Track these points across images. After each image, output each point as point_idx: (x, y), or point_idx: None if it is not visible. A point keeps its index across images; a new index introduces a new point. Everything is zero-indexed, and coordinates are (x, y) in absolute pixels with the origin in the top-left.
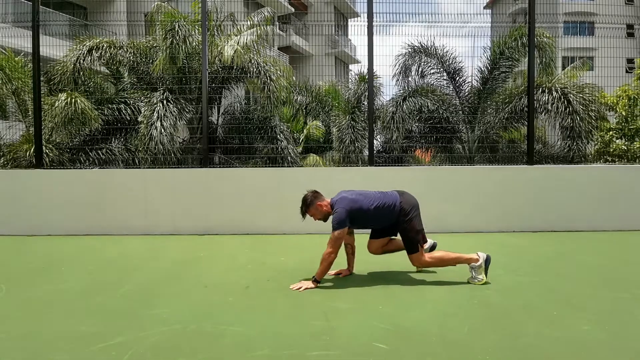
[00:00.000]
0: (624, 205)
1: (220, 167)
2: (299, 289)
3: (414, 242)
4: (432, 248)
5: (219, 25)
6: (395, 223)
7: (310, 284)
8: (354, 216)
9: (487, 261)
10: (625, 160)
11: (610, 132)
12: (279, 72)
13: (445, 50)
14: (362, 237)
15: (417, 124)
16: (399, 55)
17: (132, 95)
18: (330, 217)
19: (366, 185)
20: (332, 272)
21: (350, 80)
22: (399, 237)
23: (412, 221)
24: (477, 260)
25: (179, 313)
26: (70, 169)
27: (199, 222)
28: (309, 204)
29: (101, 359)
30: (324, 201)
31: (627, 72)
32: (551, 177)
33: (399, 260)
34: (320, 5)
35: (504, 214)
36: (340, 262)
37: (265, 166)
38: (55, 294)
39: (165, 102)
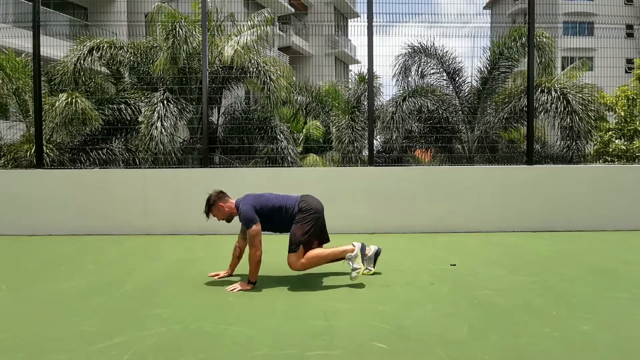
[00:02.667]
0: (623, 205)
1: (220, 167)
2: (234, 290)
3: (297, 240)
4: (377, 254)
5: (219, 26)
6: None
7: (245, 286)
8: (259, 214)
9: (377, 253)
10: (624, 160)
11: (610, 132)
12: (278, 72)
13: (445, 51)
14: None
15: (416, 124)
16: (398, 56)
17: (132, 95)
18: (235, 218)
19: (366, 185)
20: (210, 273)
21: (350, 80)
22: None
23: (303, 221)
24: (353, 250)
25: (179, 313)
26: (71, 169)
27: (199, 222)
28: (211, 205)
29: (101, 359)
30: (227, 202)
31: (626, 72)
32: (551, 177)
33: (399, 261)
34: (320, 6)
35: (503, 214)
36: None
37: (265, 166)
38: (55, 294)
39: (165, 102)
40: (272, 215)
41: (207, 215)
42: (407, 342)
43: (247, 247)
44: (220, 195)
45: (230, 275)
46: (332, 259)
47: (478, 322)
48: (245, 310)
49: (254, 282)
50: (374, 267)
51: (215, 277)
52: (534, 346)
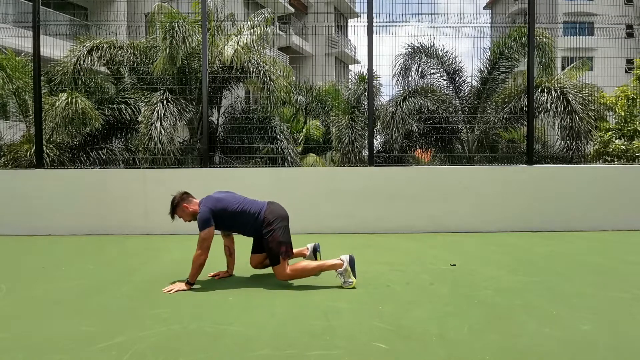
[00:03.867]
0: (623, 205)
1: (220, 167)
2: (169, 291)
3: (275, 254)
4: (315, 250)
5: (219, 26)
6: (259, 234)
7: (182, 286)
8: (219, 216)
9: (352, 262)
10: (624, 160)
11: (609, 132)
12: (278, 72)
13: (445, 51)
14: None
15: (416, 124)
16: (398, 56)
17: (132, 95)
18: None
19: (366, 185)
20: (211, 273)
21: (350, 80)
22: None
23: (274, 232)
24: (342, 264)
25: (179, 313)
26: (71, 169)
27: None
28: (175, 206)
29: (101, 359)
30: (191, 203)
31: (626, 72)
32: (550, 177)
33: (399, 261)
34: (320, 6)
35: (503, 214)
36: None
37: (265, 166)
38: (55, 294)
39: (165, 102)
40: (233, 218)
41: (172, 216)
42: (407, 342)
43: (234, 243)
44: (184, 196)
45: (231, 274)
46: (318, 272)
47: (478, 322)
48: (245, 310)
49: (192, 283)
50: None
51: (216, 277)
52: (534, 346)
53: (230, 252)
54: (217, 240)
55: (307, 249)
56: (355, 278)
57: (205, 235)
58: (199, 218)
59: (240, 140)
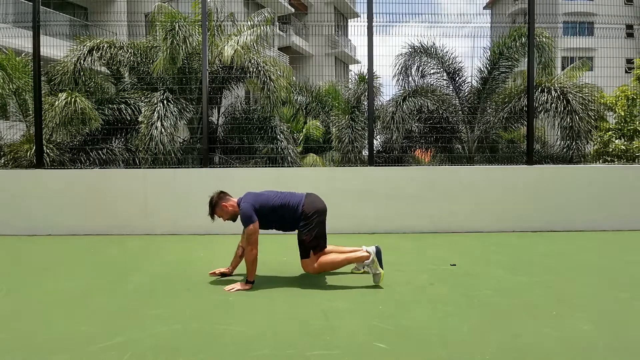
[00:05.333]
0: (623, 205)
1: (220, 167)
2: (231, 290)
3: (307, 247)
4: (378, 253)
5: (219, 26)
6: (297, 226)
7: (244, 285)
8: (260, 212)
9: (378, 253)
10: (624, 160)
11: (609, 132)
12: (278, 72)
13: (445, 51)
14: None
15: (417, 124)
16: (399, 56)
17: (132, 95)
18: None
19: (366, 185)
20: (211, 271)
21: (350, 80)
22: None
23: (310, 226)
24: (369, 256)
25: (179, 313)
26: (71, 169)
27: (199, 222)
28: (214, 205)
29: (101, 359)
30: (229, 201)
31: (626, 72)
32: (550, 177)
33: (399, 261)
34: (320, 6)
35: (503, 214)
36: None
37: (265, 166)
38: (55, 294)
39: (165, 102)
40: (274, 213)
41: (212, 217)
42: (407, 342)
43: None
44: (222, 195)
45: (231, 273)
46: (347, 264)
47: (478, 322)
48: (245, 310)
49: (252, 281)
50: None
51: (216, 273)
52: (534, 346)
53: (242, 254)
54: (224, 240)
55: (369, 253)
56: (383, 269)
57: (251, 231)
58: (242, 214)
59: (240, 140)
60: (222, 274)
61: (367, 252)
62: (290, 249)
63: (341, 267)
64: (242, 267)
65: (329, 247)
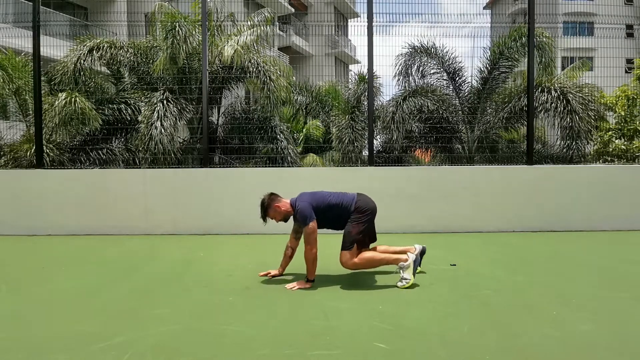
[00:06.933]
0: (623, 205)
1: (220, 167)
2: (293, 288)
3: (350, 238)
4: (422, 253)
5: (219, 26)
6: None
7: (304, 284)
8: (317, 211)
9: (423, 252)
10: (624, 160)
11: (610, 132)
12: (278, 72)
13: (445, 51)
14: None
15: (417, 124)
16: (399, 56)
17: (132, 95)
18: (291, 218)
19: (366, 185)
20: (261, 272)
21: (350, 80)
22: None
23: (360, 220)
24: (406, 260)
25: (179, 313)
26: (71, 169)
27: (199, 222)
28: (267, 207)
29: (101, 359)
30: (281, 202)
31: (626, 72)
32: (550, 177)
33: None
34: (320, 6)
35: (503, 214)
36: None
37: (265, 166)
38: (55, 294)
39: (165, 102)
40: (330, 212)
41: (264, 219)
42: (407, 342)
43: (298, 246)
44: (273, 197)
45: (281, 274)
46: (384, 264)
47: (478, 322)
48: (245, 310)
49: (312, 280)
50: (419, 265)
51: (269, 274)
52: (534, 346)
53: (291, 254)
54: (218, 240)
55: (415, 248)
56: (414, 277)
57: (311, 229)
58: (300, 214)
59: (240, 140)
60: (273, 276)
61: (407, 255)
62: None
63: (378, 266)
64: (236, 268)
65: (382, 247)
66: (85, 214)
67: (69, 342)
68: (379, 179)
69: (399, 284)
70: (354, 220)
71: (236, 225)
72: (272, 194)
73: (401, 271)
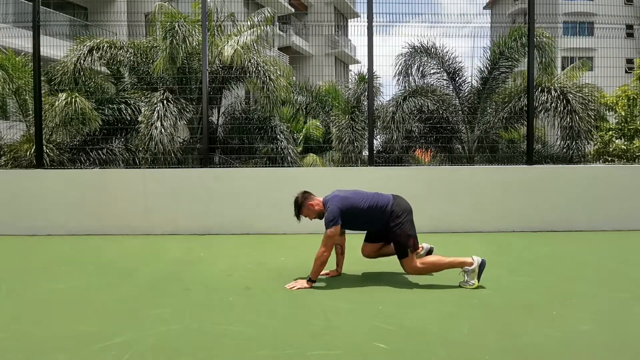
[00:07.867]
0: (623, 205)
1: (220, 167)
2: (292, 287)
3: (403, 246)
4: (429, 252)
5: (219, 25)
6: (386, 226)
7: (305, 283)
8: (347, 215)
9: (482, 265)
10: (625, 160)
11: (610, 132)
12: (278, 72)
13: (445, 51)
14: (356, 238)
15: (417, 124)
16: (399, 56)
17: (132, 95)
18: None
19: (366, 185)
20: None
21: (350, 80)
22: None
23: (402, 225)
24: (472, 264)
25: (179, 313)
26: (71, 169)
27: (199, 222)
28: (301, 205)
29: (101, 359)
30: (314, 200)
31: (626, 72)
32: (551, 177)
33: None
34: (320, 6)
35: (503, 214)
36: (330, 262)
37: (265, 166)
38: (55, 294)
39: (165, 102)
40: (363, 215)
41: (298, 217)
42: (407, 342)
43: (343, 242)
44: (306, 195)
45: (339, 273)
46: (448, 267)
47: (478, 322)
48: (245, 310)
49: (313, 280)
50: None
51: (327, 276)
52: (534, 346)
53: (342, 251)
54: (218, 240)
55: (422, 248)
56: (478, 282)
57: (331, 233)
58: (327, 216)
59: (240, 140)
60: (332, 276)
61: (472, 259)
62: (289, 249)
63: (443, 270)
64: (237, 268)
65: (435, 257)
66: (85, 214)
67: (69, 342)
68: (379, 179)
69: (461, 284)
70: (395, 227)
71: (236, 225)
72: (305, 192)
73: (466, 275)
